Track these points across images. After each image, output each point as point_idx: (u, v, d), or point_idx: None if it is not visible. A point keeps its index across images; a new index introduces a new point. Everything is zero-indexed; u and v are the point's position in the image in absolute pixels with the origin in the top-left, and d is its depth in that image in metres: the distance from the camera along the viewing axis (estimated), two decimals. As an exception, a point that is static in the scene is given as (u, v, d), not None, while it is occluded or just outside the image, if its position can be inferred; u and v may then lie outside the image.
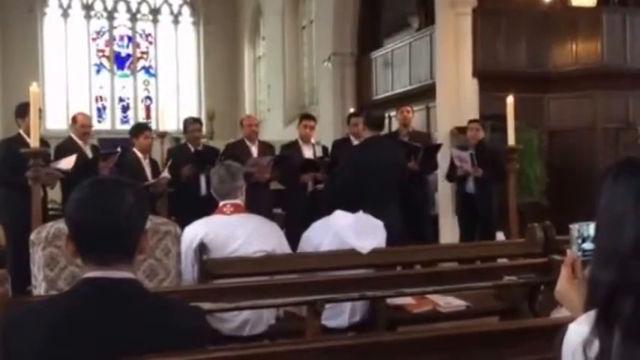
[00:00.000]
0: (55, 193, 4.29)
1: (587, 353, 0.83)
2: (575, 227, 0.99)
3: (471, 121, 4.96)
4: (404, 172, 3.73)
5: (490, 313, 2.59)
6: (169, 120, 11.29)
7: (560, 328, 0.91)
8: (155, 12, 13.13)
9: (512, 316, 2.40)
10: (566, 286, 0.96)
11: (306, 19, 10.55)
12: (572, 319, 0.91)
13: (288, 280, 2.25)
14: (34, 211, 2.57)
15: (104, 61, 12.80)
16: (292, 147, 4.70)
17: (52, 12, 12.37)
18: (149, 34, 13.12)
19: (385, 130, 6.50)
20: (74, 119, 4.37)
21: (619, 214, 0.85)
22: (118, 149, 4.29)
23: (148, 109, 12.99)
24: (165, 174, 4.28)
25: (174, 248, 2.27)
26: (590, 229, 0.96)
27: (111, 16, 12.81)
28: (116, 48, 12.85)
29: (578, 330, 0.85)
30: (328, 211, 2.60)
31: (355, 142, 4.64)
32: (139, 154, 4.38)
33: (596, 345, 0.82)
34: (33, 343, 1.03)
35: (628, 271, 0.81)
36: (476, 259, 2.76)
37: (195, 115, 9.77)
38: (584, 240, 0.98)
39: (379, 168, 3.39)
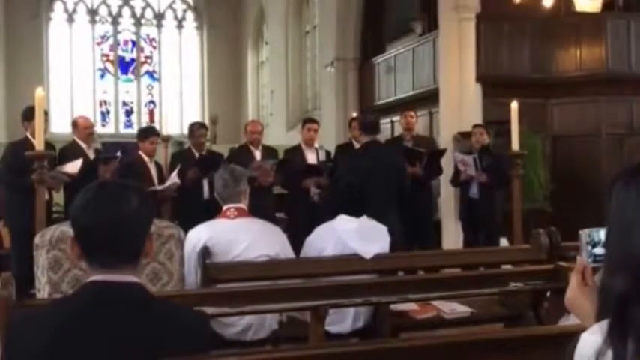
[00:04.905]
0: (58, 197, 4.29)
1: None
2: (585, 233, 0.97)
3: (475, 126, 4.96)
4: (403, 175, 3.73)
5: (495, 319, 2.58)
6: (172, 124, 11.36)
7: (567, 335, 0.90)
8: (159, 17, 13.21)
9: (517, 322, 2.38)
10: (577, 294, 0.95)
11: (310, 24, 10.59)
12: (580, 327, 0.90)
13: (292, 285, 2.24)
14: (38, 214, 2.57)
15: (108, 65, 12.87)
16: (295, 151, 4.71)
17: (57, 17, 12.47)
18: (153, 39, 13.19)
19: (388, 135, 6.56)
20: (75, 123, 4.39)
21: (630, 221, 0.84)
22: (118, 154, 4.29)
23: (151, 113, 13.04)
24: (175, 180, 4.27)
25: (178, 252, 2.27)
26: (601, 234, 0.95)
27: (115, 21, 12.90)
28: (120, 53, 12.92)
29: (591, 339, 0.83)
30: (331, 216, 2.60)
31: (358, 147, 4.64)
32: (145, 158, 4.40)
33: (609, 355, 0.81)
34: (36, 346, 1.03)
35: None
36: (480, 264, 2.75)
37: (198, 119, 9.79)
38: (594, 245, 0.96)
39: (378, 172, 3.39)
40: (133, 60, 13.02)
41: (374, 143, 3.60)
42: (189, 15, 13.34)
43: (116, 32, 12.89)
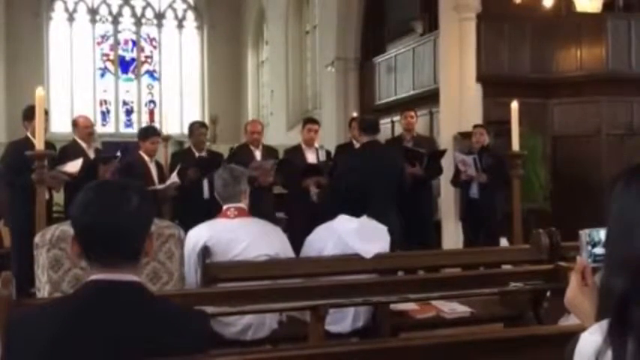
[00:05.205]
0: (58, 196, 4.30)
1: None
2: (585, 233, 0.97)
3: (475, 126, 4.96)
4: (402, 175, 3.74)
5: (495, 319, 2.58)
6: (173, 124, 11.36)
7: (567, 335, 0.90)
8: (159, 16, 13.21)
9: (517, 322, 2.38)
10: (577, 294, 0.95)
11: (310, 23, 10.59)
12: (580, 327, 0.90)
13: (292, 285, 2.24)
14: (38, 214, 2.57)
15: (109, 64, 12.88)
16: (295, 151, 4.71)
17: (57, 16, 12.47)
18: (153, 39, 13.20)
19: (388, 135, 6.57)
20: (75, 123, 4.39)
21: (631, 222, 0.84)
22: (118, 154, 4.30)
23: (151, 112, 13.05)
24: (175, 179, 4.27)
25: (178, 251, 2.27)
26: (601, 234, 0.95)
27: (116, 21, 12.90)
28: (121, 52, 12.93)
29: (591, 339, 0.83)
30: (331, 216, 2.60)
31: (358, 146, 4.65)
32: (146, 157, 4.40)
33: (609, 355, 0.81)
34: (37, 345, 1.03)
35: None
36: (480, 264, 2.75)
37: (198, 119, 9.79)
38: (594, 245, 0.96)
39: (378, 172, 3.40)
40: (133, 59, 13.02)
41: (374, 143, 3.61)
42: (190, 15, 13.34)
43: (116, 32, 12.89)
